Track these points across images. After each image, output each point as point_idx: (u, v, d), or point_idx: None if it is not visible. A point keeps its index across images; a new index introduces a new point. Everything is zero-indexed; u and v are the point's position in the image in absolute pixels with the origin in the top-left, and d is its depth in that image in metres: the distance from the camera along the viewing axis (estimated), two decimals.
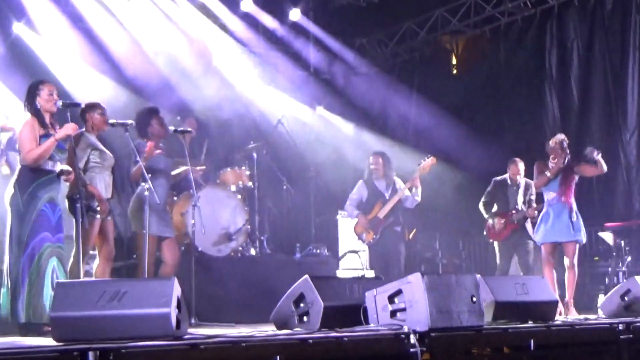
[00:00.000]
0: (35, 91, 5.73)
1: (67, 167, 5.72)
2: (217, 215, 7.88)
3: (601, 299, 7.38)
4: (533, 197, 8.48)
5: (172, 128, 7.00)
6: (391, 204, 8.29)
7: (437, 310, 4.61)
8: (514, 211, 8.40)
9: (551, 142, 7.71)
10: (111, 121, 6.46)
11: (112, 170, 6.43)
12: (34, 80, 5.89)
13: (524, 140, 10.55)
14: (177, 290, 4.25)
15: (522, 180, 8.52)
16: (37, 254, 5.50)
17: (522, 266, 8.42)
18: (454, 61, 12.46)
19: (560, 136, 7.70)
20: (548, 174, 7.60)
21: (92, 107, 6.39)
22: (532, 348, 5.00)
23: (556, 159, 7.61)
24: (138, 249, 6.71)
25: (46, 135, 5.65)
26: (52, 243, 5.61)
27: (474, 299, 4.90)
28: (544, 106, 10.61)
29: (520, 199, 8.46)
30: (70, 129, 5.67)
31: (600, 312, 6.66)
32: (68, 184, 5.81)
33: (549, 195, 7.64)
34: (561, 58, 10.54)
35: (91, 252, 7.15)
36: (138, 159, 6.38)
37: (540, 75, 10.72)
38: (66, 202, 5.87)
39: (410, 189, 8.31)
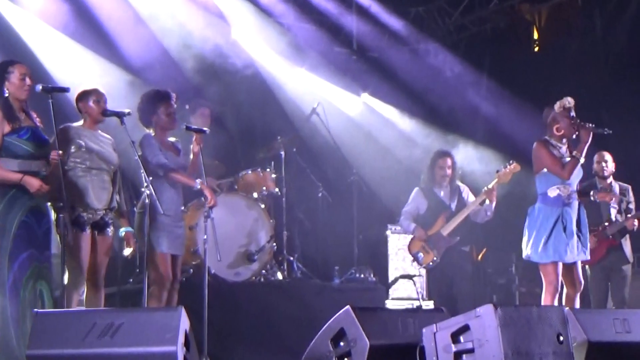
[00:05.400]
0: (3, 74, 5.79)
1: None
2: (235, 229, 7.95)
3: None
4: (632, 205, 8.41)
5: (184, 125, 6.99)
6: (459, 218, 8.29)
7: (514, 351, 4.63)
8: (606, 223, 8.35)
9: (556, 107, 7.00)
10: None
11: (112, 173, 6.42)
12: (3, 61, 5.96)
13: (628, 136, 10.40)
14: (184, 323, 4.28)
15: (615, 183, 8.45)
16: (23, 278, 5.54)
17: (615, 297, 8.36)
18: (536, 36, 12.39)
19: (571, 100, 6.98)
20: (576, 154, 6.80)
21: (85, 94, 6.40)
22: None
23: (563, 131, 6.96)
24: (149, 272, 6.56)
25: (15, 132, 5.68)
26: (39, 263, 5.67)
27: (561, 338, 4.92)
28: None
29: (614, 207, 8.38)
30: (36, 186, 5.64)
31: None
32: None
33: (564, 191, 6.88)
34: None
35: None
36: (137, 156, 6.38)
37: None
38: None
39: (482, 202, 8.25)
